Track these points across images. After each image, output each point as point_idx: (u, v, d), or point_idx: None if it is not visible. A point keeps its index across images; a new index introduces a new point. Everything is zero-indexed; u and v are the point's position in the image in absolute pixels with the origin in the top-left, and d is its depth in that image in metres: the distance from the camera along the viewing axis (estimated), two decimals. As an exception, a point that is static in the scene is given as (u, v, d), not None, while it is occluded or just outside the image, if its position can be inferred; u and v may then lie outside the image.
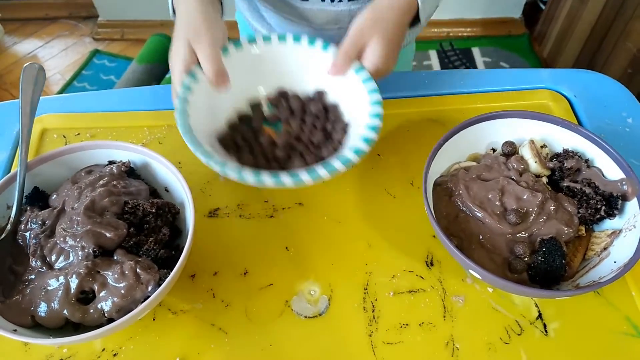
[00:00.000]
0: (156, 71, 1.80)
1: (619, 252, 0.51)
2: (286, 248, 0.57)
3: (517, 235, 0.52)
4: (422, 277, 0.55)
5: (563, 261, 0.50)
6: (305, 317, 0.53)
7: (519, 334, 0.51)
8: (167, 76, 1.77)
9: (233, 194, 0.62)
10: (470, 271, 0.49)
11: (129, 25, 2.14)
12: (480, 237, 0.52)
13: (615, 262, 0.50)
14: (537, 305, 0.53)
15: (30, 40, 2.15)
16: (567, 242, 0.53)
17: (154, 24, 2.12)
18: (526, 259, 0.51)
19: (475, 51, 2.13)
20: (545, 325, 0.52)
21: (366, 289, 0.54)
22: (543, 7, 2.17)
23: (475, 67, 2.06)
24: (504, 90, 0.73)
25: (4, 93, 1.93)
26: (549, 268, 0.50)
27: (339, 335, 0.51)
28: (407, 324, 0.52)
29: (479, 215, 0.53)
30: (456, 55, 2.11)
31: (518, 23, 2.24)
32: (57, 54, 2.09)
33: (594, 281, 0.49)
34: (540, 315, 0.53)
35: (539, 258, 0.50)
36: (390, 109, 0.70)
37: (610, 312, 0.53)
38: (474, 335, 0.51)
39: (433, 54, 2.12)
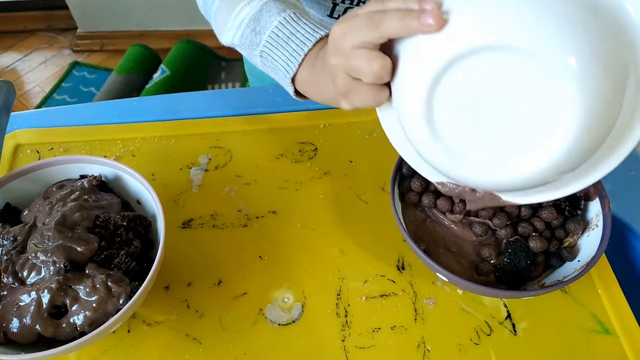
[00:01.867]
0: (136, 81, 1.80)
1: (583, 252, 0.52)
2: (260, 257, 0.58)
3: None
4: (393, 281, 0.56)
5: (528, 262, 0.51)
6: (279, 324, 0.53)
7: (488, 334, 0.53)
8: (147, 87, 1.77)
9: (207, 204, 0.62)
10: (438, 274, 0.50)
11: (108, 36, 2.14)
12: (447, 241, 0.54)
13: (579, 261, 0.51)
14: (506, 306, 0.54)
15: (8, 54, 2.13)
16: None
17: (133, 34, 2.11)
18: (492, 261, 0.52)
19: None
20: (514, 325, 0.53)
21: (339, 295, 0.55)
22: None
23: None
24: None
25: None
26: (514, 269, 0.51)
27: (313, 342, 0.52)
28: (379, 328, 0.53)
29: (445, 222, 0.54)
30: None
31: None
32: (36, 67, 2.08)
33: (558, 280, 0.50)
34: (509, 315, 0.54)
35: (505, 259, 0.52)
36: (362, 116, 0.71)
37: (578, 310, 0.54)
38: (444, 336, 0.52)
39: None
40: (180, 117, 0.71)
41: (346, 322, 0.53)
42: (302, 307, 0.54)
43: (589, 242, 0.52)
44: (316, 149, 0.68)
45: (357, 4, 0.70)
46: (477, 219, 0.53)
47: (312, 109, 0.72)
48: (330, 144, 0.68)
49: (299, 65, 0.47)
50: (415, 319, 0.54)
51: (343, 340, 0.52)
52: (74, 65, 2.07)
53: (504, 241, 0.53)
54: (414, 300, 0.55)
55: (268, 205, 0.62)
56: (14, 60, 2.11)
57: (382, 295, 0.55)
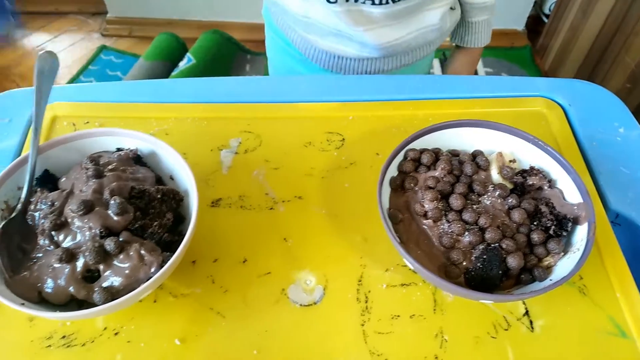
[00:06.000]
0: (162, 68, 1.83)
1: (557, 273, 0.52)
2: (284, 239, 0.59)
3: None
4: (414, 272, 0.57)
5: (499, 272, 0.51)
6: (301, 305, 0.55)
7: (506, 329, 0.53)
8: (172, 74, 1.80)
9: (235, 185, 0.64)
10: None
11: (137, 22, 2.17)
12: (420, 240, 0.54)
13: (551, 280, 0.51)
14: (524, 303, 0.55)
15: (39, 34, 2.17)
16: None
17: (161, 22, 2.14)
18: (463, 263, 0.52)
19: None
20: (531, 322, 0.54)
21: (360, 281, 0.56)
22: (546, 20, 2.21)
23: (477, 77, 2.09)
24: (502, 96, 0.76)
25: (12, 84, 1.95)
26: (485, 276, 0.51)
27: (333, 324, 0.53)
28: (398, 316, 0.54)
29: (424, 222, 0.55)
30: (459, 65, 2.14)
31: (521, 35, 2.27)
32: (65, 49, 2.12)
33: (522, 293, 0.50)
34: (527, 312, 0.55)
35: (478, 264, 0.51)
36: (390, 110, 0.72)
37: (595, 312, 0.55)
38: (462, 328, 0.53)
39: (436, 62, 2.15)
40: (212, 101, 0.73)
41: (366, 308, 0.54)
42: (324, 290, 0.56)
43: (566, 264, 0.51)
44: (343, 139, 0.69)
45: None
46: (447, 230, 0.53)
47: (341, 101, 0.74)
48: (357, 136, 0.70)
49: None
50: (434, 309, 0.55)
51: (362, 325, 0.53)
52: (102, 49, 2.10)
53: (482, 246, 0.52)
54: (433, 292, 0.56)
55: (294, 191, 0.64)
56: (44, 40, 2.15)
57: (402, 285, 0.56)
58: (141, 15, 2.15)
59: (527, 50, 2.22)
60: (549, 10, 2.20)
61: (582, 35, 1.87)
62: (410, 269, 0.57)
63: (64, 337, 0.52)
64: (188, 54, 1.86)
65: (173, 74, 1.79)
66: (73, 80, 1.97)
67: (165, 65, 1.84)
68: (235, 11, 2.10)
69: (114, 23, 2.18)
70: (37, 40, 2.14)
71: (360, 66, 0.89)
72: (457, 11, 0.91)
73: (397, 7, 0.78)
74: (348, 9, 0.77)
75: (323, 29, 0.83)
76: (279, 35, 0.96)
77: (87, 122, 0.69)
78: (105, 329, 0.52)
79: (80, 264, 0.48)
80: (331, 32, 0.82)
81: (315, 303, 0.55)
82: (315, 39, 0.86)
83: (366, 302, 0.55)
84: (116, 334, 0.52)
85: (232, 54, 2.00)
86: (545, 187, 0.57)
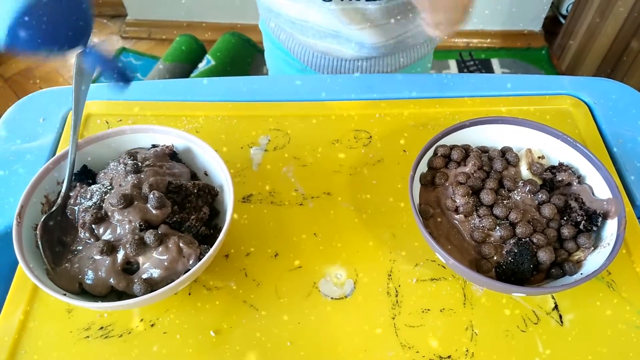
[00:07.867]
0: (182, 70, 1.84)
1: (587, 267, 0.52)
2: (315, 234, 0.60)
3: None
4: (443, 267, 0.58)
5: (531, 266, 0.52)
6: (332, 298, 0.56)
7: (535, 323, 0.54)
8: (192, 75, 1.82)
9: (265, 182, 0.65)
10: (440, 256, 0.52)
11: (156, 25, 2.20)
12: (451, 235, 0.55)
13: (581, 274, 0.52)
14: (553, 297, 0.56)
15: (59, 37, 2.21)
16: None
17: (180, 24, 2.17)
18: (494, 257, 0.52)
19: (495, 62, 2.15)
20: (560, 316, 0.54)
21: (390, 275, 0.57)
22: (563, 21, 2.20)
23: (493, 77, 2.09)
24: (527, 94, 0.76)
25: (34, 86, 1.98)
26: (516, 270, 0.52)
27: (364, 317, 0.54)
28: (428, 309, 0.55)
29: (455, 217, 0.55)
30: (475, 66, 2.14)
31: (538, 36, 2.27)
32: (85, 51, 2.15)
33: (553, 287, 0.51)
34: (556, 307, 0.55)
35: (509, 258, 0.52)
36: (416, 108, 0.73)
37: (624, 307, 0.55)
38: (492, 322, 0.54)
39: (452, 64, 2.15)
40: (241, 99, 0.74)
41: (396, 302, 0.55)
42: (354, 283, 0.57)
43: (596, 258, 0.52)
44: (371, 137, 0.70)
45: None
46: (478, 225, 0.54)
47: (368, 99, 0.75)
48: (384, 133, 0.70)
49: None
50: (464, 304, 0.55)
51: (393, 318, 0.54)
52: (122, 51, 2.13)
53: (512, 241, 0.53)
54: (463, 286, 0.56)
55: (323, 187, 0.65)
56: (65, 43, 2.18)
57: (432, 279, 0.57)
58: (160, 18, 2.18)
59: (545, 51, 2.22)
60: (567, 11, 2.19)
61: (600, 36, 1.86)
62: (439, 264, 0.58)
63: (101, 328, 0.53)
64: (207, 56, 1.88)
65: (192, 75, 1.81)
66: (93, 81, 2.00)
67: (184, 66, 1.86)
68: (254, 13, 2.11)
69: (134, 25, 2.21)
70: (58, 43, 2.17)
71: (359, 68, 0.89)
72: None
73: (393, 2, 0.76)
74: (343, 8, 0.76)
75: (320, 31, 0.82)
76: (276, 45, 0.96)
77: (120, 120, 0.71)
78: (141, 320, 0.54)
79: (120, 256, 0.50)
80: (329, 33, 0.82)
81: (346, 296, 0.56)
82: (314, 42, 0.85)
83: (396, 296, 0.56)
84: (152, 325, 0.53)
85: (250, 55, 2.02)
86: (575, 183, 0.57)
